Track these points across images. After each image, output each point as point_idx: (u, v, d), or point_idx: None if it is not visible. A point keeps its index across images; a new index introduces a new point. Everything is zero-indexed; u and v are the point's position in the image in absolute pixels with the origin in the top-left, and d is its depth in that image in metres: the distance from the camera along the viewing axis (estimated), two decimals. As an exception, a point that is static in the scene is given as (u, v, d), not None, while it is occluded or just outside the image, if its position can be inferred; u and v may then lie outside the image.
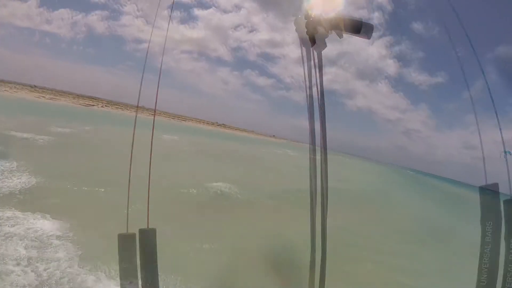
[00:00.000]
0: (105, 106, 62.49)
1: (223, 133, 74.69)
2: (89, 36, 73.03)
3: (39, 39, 60.90)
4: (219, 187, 14.30)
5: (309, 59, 1.70)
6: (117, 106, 67.88)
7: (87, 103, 59.46)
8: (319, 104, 1.70)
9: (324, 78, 1.72)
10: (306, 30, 1.64)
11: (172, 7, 2.01)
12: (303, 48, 1.71)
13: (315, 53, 1.70)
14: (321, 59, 1.68)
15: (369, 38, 1.61)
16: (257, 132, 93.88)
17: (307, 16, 1.64)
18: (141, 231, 1.75)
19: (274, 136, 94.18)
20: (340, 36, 1.64)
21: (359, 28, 1.58)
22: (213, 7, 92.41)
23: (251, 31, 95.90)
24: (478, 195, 2.27)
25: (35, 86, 57.54)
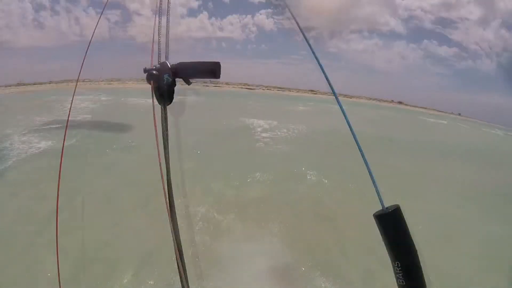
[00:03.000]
0: (265, 89, 66.96)
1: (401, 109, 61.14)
2: (259, 34, 79.20)
3: (216, 45, 72.12)
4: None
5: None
6: (278, 89, 72.23)
7: (248, 87, 66.98)
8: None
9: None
10: None
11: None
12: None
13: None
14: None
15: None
16: (439, 110, 72.08)
17: None
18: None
19: (459, 114, 68.36)
20: None
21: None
22: (374, -20, 75.42)
23: (420, -4, 71.33)
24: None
25: (209, 81, 71.59)
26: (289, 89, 78.92)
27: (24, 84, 61.38)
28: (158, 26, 1.25)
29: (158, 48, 1.22)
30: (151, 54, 1.23)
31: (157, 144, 1.17)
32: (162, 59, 1.21)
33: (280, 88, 78.57)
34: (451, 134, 26.21)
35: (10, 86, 61.07)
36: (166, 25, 1.27)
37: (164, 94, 1.18)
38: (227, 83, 72.54)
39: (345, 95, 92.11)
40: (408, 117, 34.87)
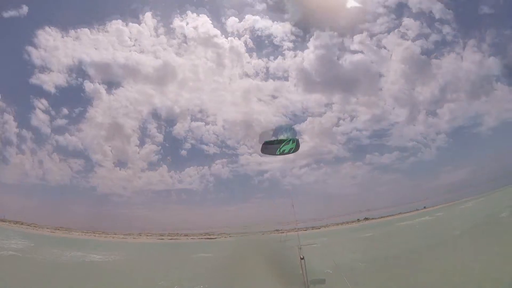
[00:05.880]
0: (227, 236, 63.15)
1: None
2: (218, 183, 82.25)
3: (176, 197, 72.49)
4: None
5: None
6: (242, 234, 69.00)
7: (207, 237, 64.11)
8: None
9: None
10: None
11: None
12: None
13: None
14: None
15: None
16: (405, 212, 73.12)
17: None
18: None
19: (424, 207, 70.02)
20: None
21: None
22: (310, 117, 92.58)
23: (352, 119, 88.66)
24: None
25: (167, 234, 66.44)
26: (253, 233, 75.46)
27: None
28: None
29: None
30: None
31: None
32: None
33: (243, 233, 74.76)
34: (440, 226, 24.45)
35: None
36: None
37: None
38: (186, 235, 67.35)
39: (313, 227, 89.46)
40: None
